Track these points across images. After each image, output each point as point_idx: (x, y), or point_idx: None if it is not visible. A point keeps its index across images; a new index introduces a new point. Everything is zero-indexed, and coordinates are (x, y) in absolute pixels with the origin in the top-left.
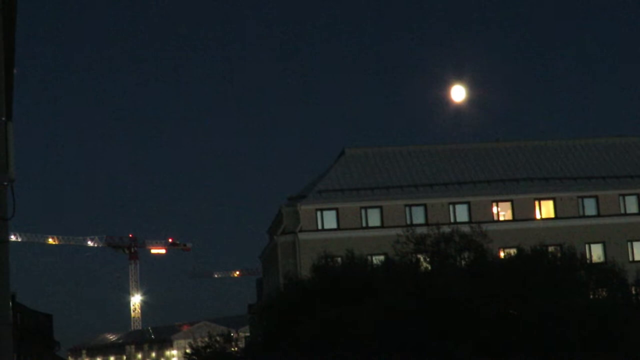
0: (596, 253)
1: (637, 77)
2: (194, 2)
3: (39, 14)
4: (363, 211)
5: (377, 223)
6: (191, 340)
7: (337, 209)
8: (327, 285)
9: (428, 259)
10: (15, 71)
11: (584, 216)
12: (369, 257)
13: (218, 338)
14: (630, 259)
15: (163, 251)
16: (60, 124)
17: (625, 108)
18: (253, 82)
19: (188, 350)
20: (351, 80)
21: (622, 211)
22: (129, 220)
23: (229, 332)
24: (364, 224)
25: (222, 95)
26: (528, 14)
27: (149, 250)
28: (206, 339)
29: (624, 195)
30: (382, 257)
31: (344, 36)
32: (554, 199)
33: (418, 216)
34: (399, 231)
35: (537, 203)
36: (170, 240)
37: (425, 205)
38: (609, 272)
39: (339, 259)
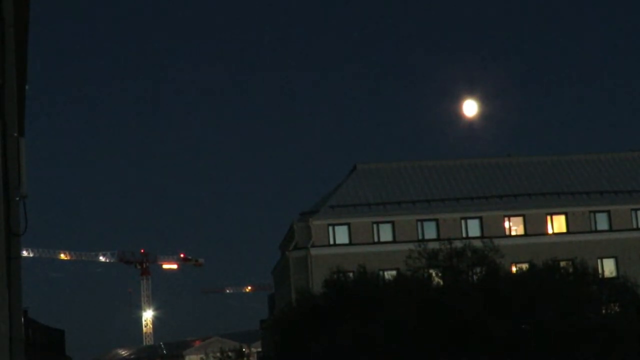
0: (608, 268)
1: None
2: (204, 12)
3: (52, 31)
4: (375, 226)
5: (389, 238)
6: (203, 356)
7: (349, 224)
8: (339, 300)
9: (440, 274)
10: (27, 87)
11: (596, 231)
12: (381, 272)
13: (230, 353)
14: None
15: (175, 267)
16: (72, 139)
17: (637, 122)
18: (264, 97)
19: None
20: (363, 95)
21: (635, 226)
22: (141, 236)
23: (241, 348)
24: (375, 239)
25: (233, 110)
26: (540, 28)
27: (161, 265)
28: (218, 354)
29: (636, 210)
30: (394, 272)
31: (355, 51)
32: (566, 214)
33: (430, 231)
34: (411, 246)
35: (549, 218)
36: (182, 255)
37: (437, 220)
38: (621, 287)
39: (351, 274)
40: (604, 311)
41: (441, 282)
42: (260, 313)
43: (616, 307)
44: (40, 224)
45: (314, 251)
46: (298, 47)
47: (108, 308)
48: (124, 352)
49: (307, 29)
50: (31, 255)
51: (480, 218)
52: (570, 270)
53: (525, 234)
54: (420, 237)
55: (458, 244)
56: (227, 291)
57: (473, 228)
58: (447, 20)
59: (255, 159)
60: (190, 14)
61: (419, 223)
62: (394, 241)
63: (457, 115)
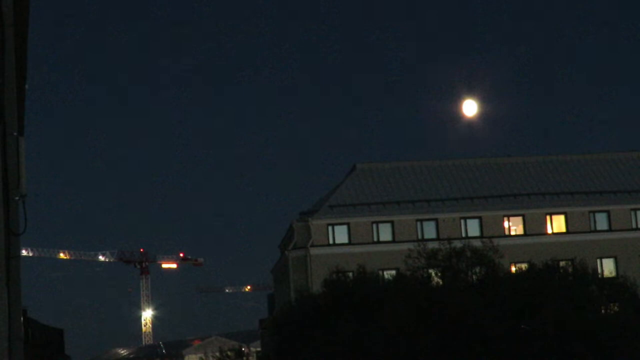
0: (608, 268)
1: None
2: (203, 11)
3: (51, 29)
4: (374, 226)
5: (389, 238)
6: (202, 355)
7: (348, 224)
8: (338, 300)
9: (439, 274)
10: (26, 86)
11: (595, 231)
12: (381, 272)
13: (229, 353)
14: None
15: (174, 266)
16: (71, 138)
17: (637, 122)
18: (264, 97)
19: None
20: (362, 95)
21: (634, 226)
22: (140, 235)
23: (240, 347)
24: (375, 239)
25: (232, 110)
26: (540, 28)
27: (160, 265)
28: (217, 354)
29: (635, 210)
30: (393, 272)
31: (355, 50)
32: (566, 214)
33: (429, 231)
34: (411, 246)
35: (548, 218)
36: (181, 255)
37: (436, 220)
38: (620, 286)
39: (351, 274)
40: (603, 311)
41: (440, 282)
42: (259, 313)
43: (616, 307)
44: (39, 223)
45: (313, 251)
46: (297, 47)
47: (107, 307)
48: (123, 352)
49: (307, 28)
50: (31, 254)
51: (480, 218)
52: (570, 270)
53: (525, 234)
54: (419, 237)
55: (457, 244)
56: (227, 291)
57: (472, 228)
58: (447, 21)
59: (255, 158)
60: (189, 13)
61: (418, 223)
62: (394, 241)
63: (457, 115)
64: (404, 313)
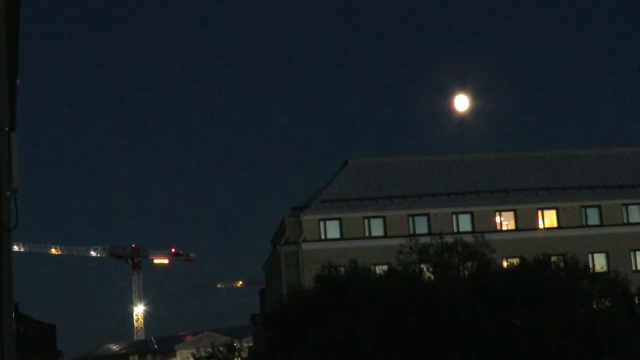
0: (599, 263)
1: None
2: (195, 13)
3: (43, 24)
4: (366, 221)
5: (381, 233)
6: (194, 351)
7: (340, 219)
8: (330, 295)
9: (431, 269)
10: (18, 81)
11: (587, 226)
12: (372, 267)
13: (221, 348)
14: (633, 268)
15: (166, 261)
16: (64, 133)
17: (628, 118)
18: (255, 92)
19: None
20: (354, 90)
21: (625, 221)
22: (132, 231)
23: (232, 343)
24: (367, 234)
25: (225, 106)
26: (532, 23)
27: (152, 260)
28: (209, 349)
29: (626, 205)
30: (385, 267)
31: (346, 45)
32: (557, 209)
33: (421, 226)
34: (402, 241)
35: (540, 213)
36: (173, 250)
37: (428, 215)
38: (612, 281)
39: (342, 269)
40: (595, 306)
41: (432, 277)
42: (251, 308)
43: (607, 302)
44: (31, 218)
45: (305, 246)
46: (289, 43)
47: (99, 303)
48: (115, 347)
49: (301, 24)
50: (22, 250)
51: (472, 213)
52: (561, 265)
53: (516, 229)
54: (411, 232)
55: (449, 239)
56: (219, 286)
57: (464, 223)
58: (439, 16)
59: (247, 154)
60: (187, 12)
61: (410, 218)
62: (385, 236)
63: (449, 110)
64: (395, 308)
